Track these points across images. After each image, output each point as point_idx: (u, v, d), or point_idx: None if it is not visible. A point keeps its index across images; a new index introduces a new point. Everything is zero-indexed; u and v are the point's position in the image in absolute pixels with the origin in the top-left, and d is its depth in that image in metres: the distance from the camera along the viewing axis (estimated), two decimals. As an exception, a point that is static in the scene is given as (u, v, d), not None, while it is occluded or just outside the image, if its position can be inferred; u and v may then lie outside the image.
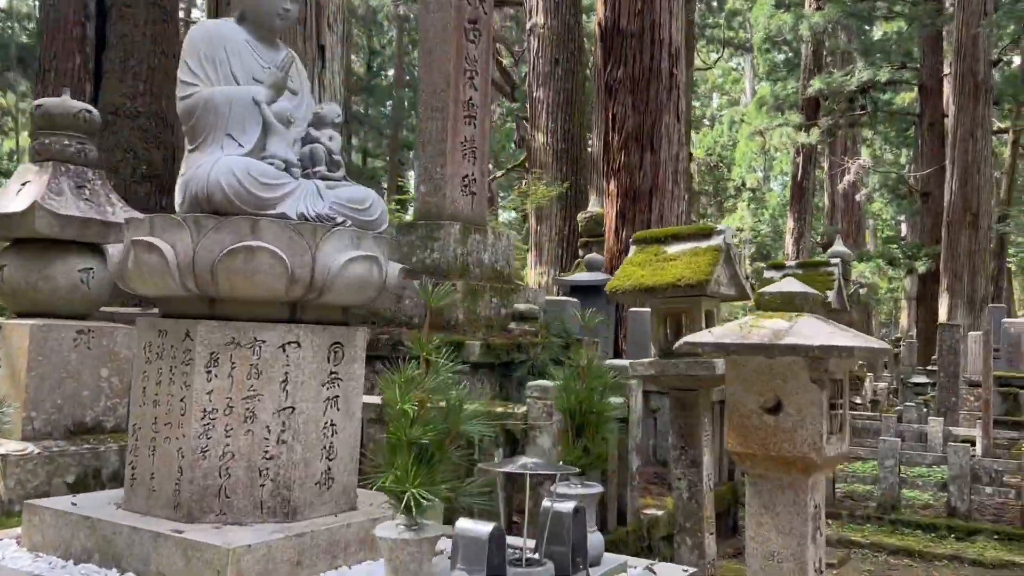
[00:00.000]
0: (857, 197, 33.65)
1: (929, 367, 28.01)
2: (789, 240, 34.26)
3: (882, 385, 19.61)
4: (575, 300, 9.91)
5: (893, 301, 50.55)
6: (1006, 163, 36.93)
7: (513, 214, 33.67)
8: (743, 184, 52.17)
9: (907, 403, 15.08)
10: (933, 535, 8.33)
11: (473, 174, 7.14)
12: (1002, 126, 36.36)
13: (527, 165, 25.41)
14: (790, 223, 34.30)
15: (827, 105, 34.62)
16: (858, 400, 14.65)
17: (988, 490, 8.51)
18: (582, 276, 12.21)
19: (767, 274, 7.50)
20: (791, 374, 3.43)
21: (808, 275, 7.13)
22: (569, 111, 21.97)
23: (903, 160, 43.66)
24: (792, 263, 7.32)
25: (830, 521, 8.78)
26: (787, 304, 3.53)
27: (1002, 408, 15.04)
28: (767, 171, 56.03)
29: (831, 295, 6.90)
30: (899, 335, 37.01)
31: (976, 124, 27.98)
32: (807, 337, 3.31)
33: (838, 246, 16.08)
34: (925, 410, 16.64)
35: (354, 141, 38.22)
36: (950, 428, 12.79)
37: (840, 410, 3.54)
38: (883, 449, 8.72)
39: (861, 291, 14.12)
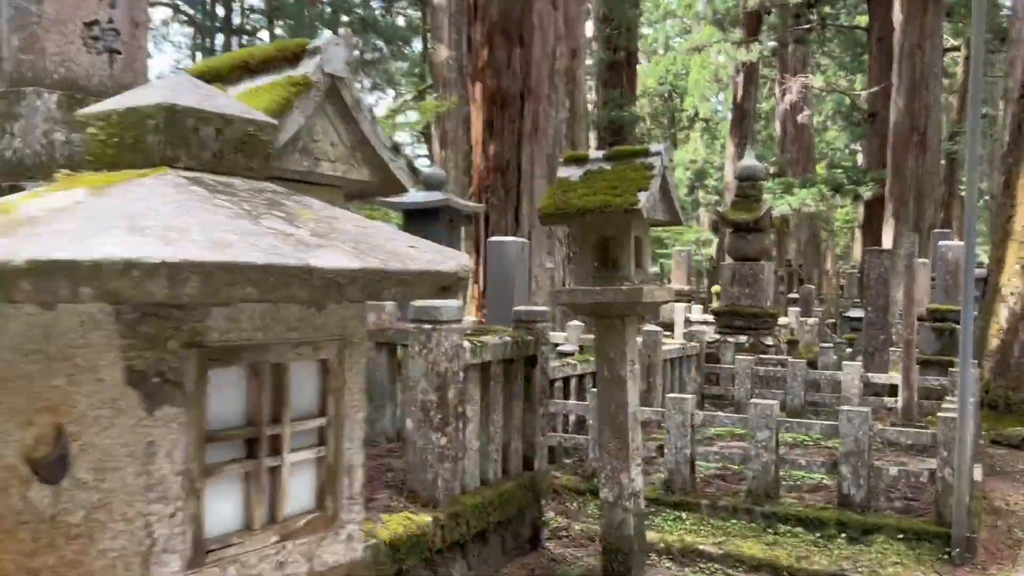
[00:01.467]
0: (800, 118, 31.03)
1: (872, 298, 25.78)
2: (729, 167, 31.71)
3: (811, 321, 17.26)
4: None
5: (850, 231, 48.49)
6: (958, 82, 34.36)
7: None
8: (696, 114, 49.55)
9: (825, 344, 12.66)
10: (818, 535, 5.95)
11: (111, 20, 4.54)
12: (955, 43, 33.77)
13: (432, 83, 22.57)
14: (730, 147, 31.75)
15: (770, 19, 31.78)
16: (769, 342, 12.25)
17: (893, 471, 6.14)
18: (416, 196, 9.58)
19: (563, 171, 4.96)
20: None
21: (619, 169, 4.63)
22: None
23: (858, 87, 41.04)
24: (599, 154, 4.80)
25: (684, 514, 6.37)
26: None
27: (936, 346, 12.65)
28: (721, 100, 53.61)
29: (643, 198, 4.39)
30: (849, 267, 34.65)
31: (924, 35, 25.34)
32: None
33: (748, 160, 13.58)
34: (849, 350, 14.28)
35: None
36: (869, 375, 10.41)
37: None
38: (754, 417, 6.31)
39: (775, 214, 11.57)
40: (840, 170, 30.24)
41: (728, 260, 13.01)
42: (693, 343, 10.74)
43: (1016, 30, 11.08)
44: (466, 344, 4.75)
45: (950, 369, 10.09)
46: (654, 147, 4.72)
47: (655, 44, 52.16)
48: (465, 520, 4.59)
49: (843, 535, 5.93)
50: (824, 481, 6.81)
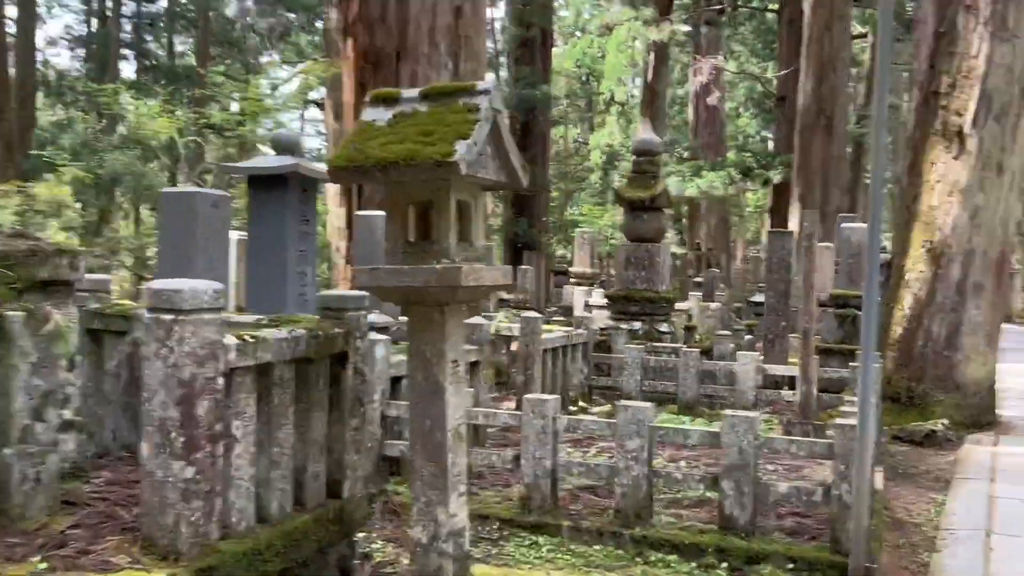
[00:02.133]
0: (710, 100, 30.42)
1: (777, 283, 25.29)
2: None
3: (714, 306, 16.50)
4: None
5: (761, 216, 48.48)
6: (866, 68, 34.20)
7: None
8: (612, 98, 48.83)
9: (722, 332, 11.82)
10: (695, 564, 4.96)
11: None
12: (863, 30, 33.57)
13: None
14: (640, 129, 30.91)
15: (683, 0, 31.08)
16: (664, 328, 11.32)
17: (783, 487, 5.18)
18: (261, 161, 8.30)
19: (367, 114, 3.77)
20: None
21: (436, 111, 3.45)
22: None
23: (770, 74, 40.70)
24: (414, 92, 3.60)
25: (541, 539, 5.31)
26: None
27: (838, 334, 11.90)
28: (638, 84, 53.04)
29: (461, 148, 3.23)
30: (757, 251, 34.33)
31: (833, 17, 24.83)
32: None
33: (645, 134, 12.58)
34: (749, 337, 13.49)
35: None
36: (767, 365, 9.55)
37: None
38: (623, 423, 5.28)
39: (673, 191, 10.57)
40: (749, 153, 29.72)
41: (624, 242, 12.04)
42: (580, 330, 9.72)
43: (922, 11, 10.31)
44: (231, 340, 3.57)
45: (851, 363, 9.33)
46: (482, 83, 3.54)
47: (572, 27, 51.24)
48: (224, 575, 3.42)
49: (724, 564, 4.94)
50: (707, 495, 5.83)
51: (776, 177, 29.09)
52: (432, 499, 3.69)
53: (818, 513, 5.43)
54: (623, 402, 5.50)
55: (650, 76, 29.71)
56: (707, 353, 10.74)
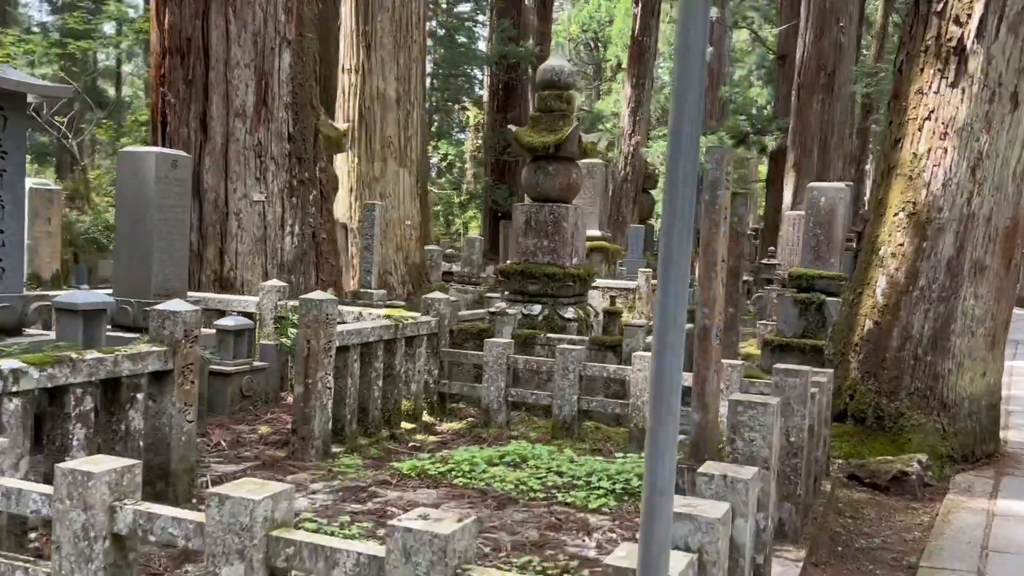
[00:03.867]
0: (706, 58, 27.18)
1: (767, 260, 22.39)
2: (625, 111, 27.91)
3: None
4: None
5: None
6: (877, 24, 30.95)
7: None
8: (619, 64, 45.84)
9: (634, 322, 9.04)
10: None
11: None
12: (876, -14, 30.37)
13: None
14: (626, 88, 27.92)
15: (673, -54, 27.94)
16: (570, 314, 8.57)
17: None
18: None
19: None
20: None
21: None
22: None
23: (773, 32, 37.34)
24: None
25: None
26: None
27: (797, 325, 9.12)
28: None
29: None
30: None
31: (837, -39, 21.88)
32: None
33: (554, 59, 9.75)
34: (690, 325, 10.66)
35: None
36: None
37: None
38: (214, 527, 2.57)
39: (589, 139, 7.71)
40: (743, 117, 26.66)
41: (526, 201, 9.25)
42: (424, 317, 6.99)
43: None
44: None
45: (810, 368, 6.64)
46: None
47: (579, -10, 48.04)
48: None
49: None
50: None
51: (772, 144, 26.10)
52: None
53: None
54: (225, 490, 2.71)
55: (636, 29, 26.65)
56: (614, 349, 7.99)
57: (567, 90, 8.94)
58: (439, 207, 34.11)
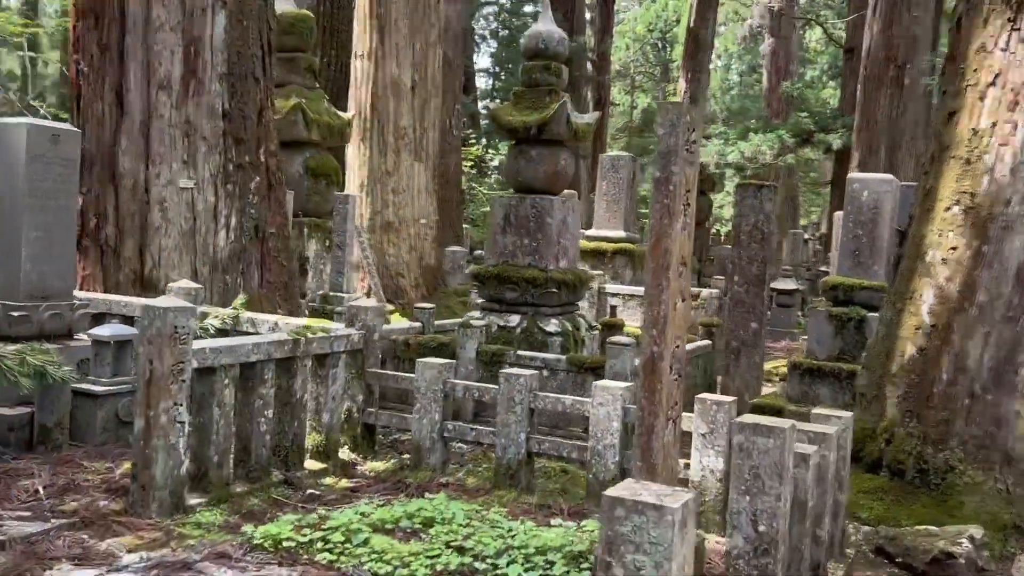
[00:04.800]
0: (762, 48, 25.50)
1: (825, 267, 20.45)
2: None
3: (707, 292, 12.09)
4: None
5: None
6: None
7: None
8: (687, 62, 44.07)
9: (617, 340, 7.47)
10: None
11: None
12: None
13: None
14: (681, 84, 26.24)
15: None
16: (552, 327, 7.08)
17: None
18: None
19: None
20: None
21: None
22: None
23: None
24: None
25: None
26: None
27: (834, 345, 7.51)
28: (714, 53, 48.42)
29: None
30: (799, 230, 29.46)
31: (908, -59, 19.89)
32: None
33: (541, 24, 8.20)
34: (706, 342, 9.09)
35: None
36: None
37: None
38: None
39: (582, 120, 6.19)
40: (806, 114, 24.68)
41: (508, 194, 7.81)
42: (346, 330, 5.61)
43: None
44: None
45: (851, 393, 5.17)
46: None
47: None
48: None
49: None
50: None
51: (837, 142, 24.08)
52: None
53: None
54: None
55: (693, 20, 24.98)
56: (596, 371, 6.49)
57: (556, 60, 7.46)
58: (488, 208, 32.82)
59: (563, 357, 6.49)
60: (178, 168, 6.94)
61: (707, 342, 8.23)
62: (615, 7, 37.83)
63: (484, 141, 33.30)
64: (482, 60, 47.17)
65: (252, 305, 7.32)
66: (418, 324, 7.95)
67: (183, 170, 6.94)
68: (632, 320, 11.20)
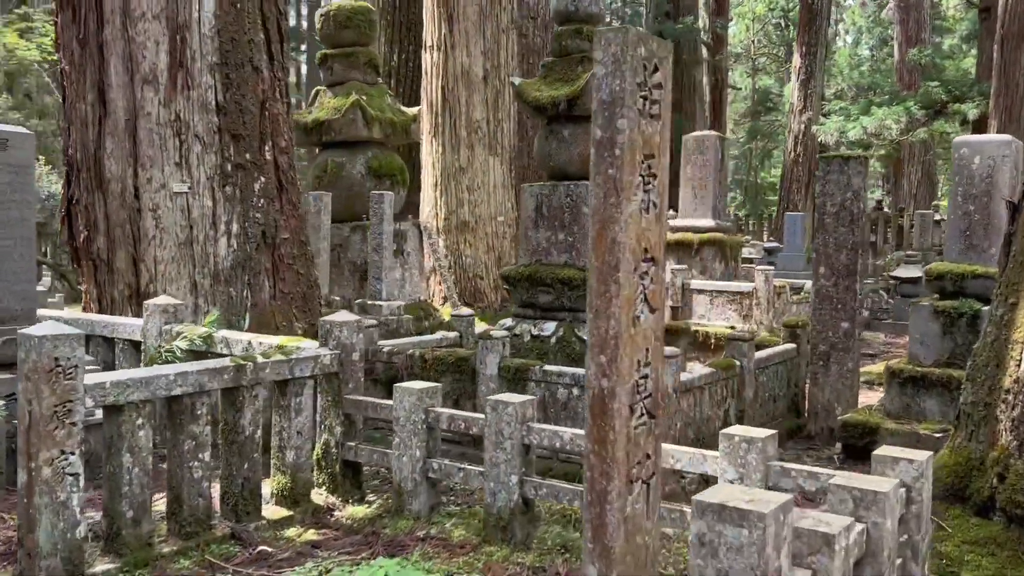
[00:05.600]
0: (888, 14, 23.41)
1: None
2: (794, 83, 24.41)
3: (746, 253, 10.66)
4: None
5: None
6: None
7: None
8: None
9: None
10: None
11: None
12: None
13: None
14: (796, 60, 24.42)
15: None
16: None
17: None
18: None
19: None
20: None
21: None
22: None
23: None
24: None
25: None
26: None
27: (942, 348, 6.12)
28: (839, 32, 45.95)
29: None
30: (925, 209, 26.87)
31: None
32: None
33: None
34: (789, 345, 7.75)
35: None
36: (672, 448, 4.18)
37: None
38: None
39: None
40: (937, 83, 22.38)
41: (538, 184, 6.74)
42: (314, 350, 4.71)
43: None
44: None
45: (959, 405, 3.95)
46: None
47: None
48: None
49: None
50: None
51: (973, 112, 21.77)
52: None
53: None
54: None
55: (804, -10, 23.15)
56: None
57: (589, 23, 6.36)
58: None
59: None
60: (170, 171, 6.23)
61: (791, 346, 6.94)
62: (731, -15, 35.93)
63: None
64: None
65: (263, 319, 6.57)
66: (453, 334, 7.03)
67: (176, 172, 6.24)
68: (720, 319, 9.92)
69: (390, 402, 4.55)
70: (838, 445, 6.26)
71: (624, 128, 2.44)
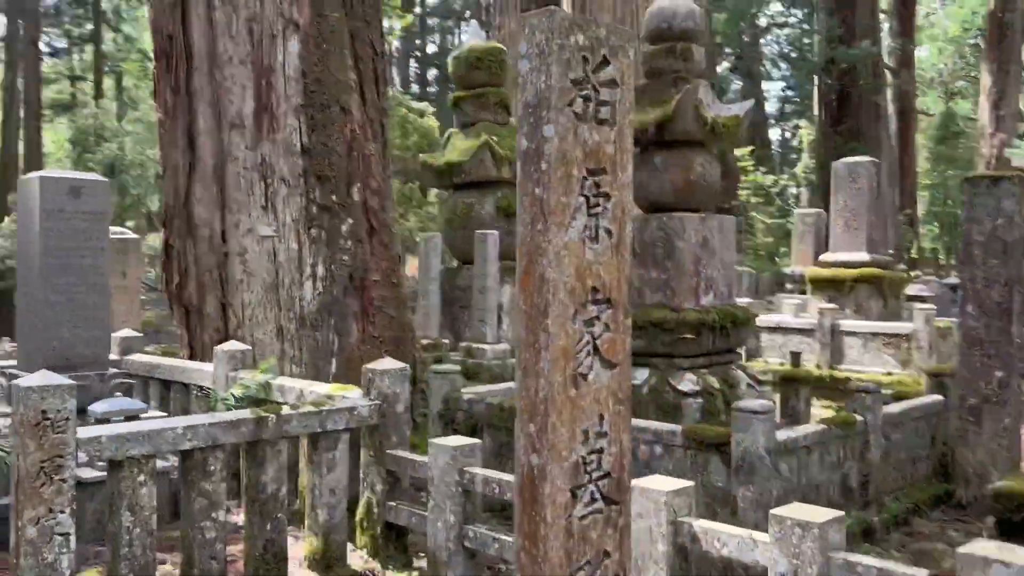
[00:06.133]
0: None
1: None
2: (984, 103, 22.34)
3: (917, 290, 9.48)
4: None
5: None
6: None
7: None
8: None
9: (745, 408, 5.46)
10: None
11: None
12: None
13: None
14: (984, 79, 22.38)
15: None
16: (687, 387, 5.32)
17: None
18: None
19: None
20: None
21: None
22: None
23: None
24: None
25: None
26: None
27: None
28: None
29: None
30: None
31: None
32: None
33: (666, 0, 6.34)
34: (934, 398, 6.68)
35: None
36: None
37: None
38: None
39: (721, 113, 4.61)
40: None
41: (638, 214, 6.16)
42: (351, 401, 4.36)
43: None
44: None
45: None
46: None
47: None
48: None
49: None
50: None
51: None
52: None
53: None
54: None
55: (994, 2, 21.25)
56: (720, 449, 4.67)
57: (684, 40, 5.76)
58: (770, 239, 30.07)
59: (678, 428, 4.73)
60: (257, 214, 6.14)
61: (936, 397, 5.96)
62: (916, 7, 33.64)
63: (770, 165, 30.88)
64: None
65: (350, 363, 6.32)
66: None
67: (262, 216, 6.14)
68: (876, 364, 8.90)
69: (426, 459, 4.11)
70: (990, 518, 5.23)
71: (551, 136, 1.91)
